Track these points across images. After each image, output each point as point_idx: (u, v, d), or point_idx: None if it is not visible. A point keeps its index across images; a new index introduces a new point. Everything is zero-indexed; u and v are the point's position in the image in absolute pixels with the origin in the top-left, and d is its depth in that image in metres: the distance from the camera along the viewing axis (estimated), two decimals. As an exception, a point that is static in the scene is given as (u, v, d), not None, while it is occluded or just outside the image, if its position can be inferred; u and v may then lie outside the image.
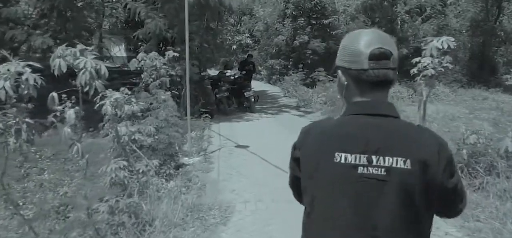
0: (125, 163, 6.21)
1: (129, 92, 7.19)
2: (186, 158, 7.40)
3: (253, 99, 13.26)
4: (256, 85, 21.57)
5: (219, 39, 30.05)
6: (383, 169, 1.32)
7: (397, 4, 20.85)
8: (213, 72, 17.31)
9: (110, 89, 6.09)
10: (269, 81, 23.29)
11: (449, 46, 5.97)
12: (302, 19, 20.71)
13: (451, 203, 1.45)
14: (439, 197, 1.37)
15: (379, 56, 1.37)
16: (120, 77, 14.97)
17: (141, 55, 9.65)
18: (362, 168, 1.34)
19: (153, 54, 9.65)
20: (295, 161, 1.58)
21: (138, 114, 7.35)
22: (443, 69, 6.26)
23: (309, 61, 20.23)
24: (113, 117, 5.67)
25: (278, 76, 21.73)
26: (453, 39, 6.02)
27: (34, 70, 3.62)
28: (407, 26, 21.40)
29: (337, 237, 1.38)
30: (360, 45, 1.41)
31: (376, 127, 1.37)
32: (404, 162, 1.31)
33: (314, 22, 20.93)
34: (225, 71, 15.07)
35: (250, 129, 11.03)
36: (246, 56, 16.81)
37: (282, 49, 21.73)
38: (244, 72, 15.18)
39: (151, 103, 7.67)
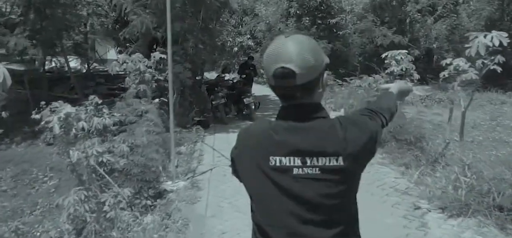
0: (87, 194, 4.96)
1: (99, 102, 5.95)
2: (169, 183, 6.09)
3: (253, 106, 11.93)
4: (258, 89, 20.22)
5: (218, 41, 28.93)
6: (317, 169, 1.41)
7: (407, 3, 19.54)
8: (212, 76, 16.00)
9: (60, 102, 4.84)
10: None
11: (501, 43, 4.66)
12: (307, 18, 19.41)
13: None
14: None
15: (281, 76, 1.41)
16: (109, 83, 13.70)
17: (122, 57, 8.37)
18: (297, 169, 1.42)
19: (136, 56, 8.37)
20: (233, 164, 1.64)
21: (111, 128, 6.09)
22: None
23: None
24: (63, 137, 4.39)
25: (281, 79, 20.39)
26: (506, 35, 4.70)
27: None
28: (419, 25, 20.07)
29: (281, 236, 1.45)
30: (268, 60, 1.47)
31: (306, 129, 1.44)
32: (336, 160, 1.41)
33: (319, 22, 19.63)
34: (224, 75, 13.79)
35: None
36: (246, 58, 15.47)
37: (285, 51, 20.36)
38: (244, 76, 13.88)
39: (126, 116, 6.36)
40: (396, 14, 19.92)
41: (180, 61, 11.74)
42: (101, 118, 5.82)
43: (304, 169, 1.41)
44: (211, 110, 11.96)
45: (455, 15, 20.68)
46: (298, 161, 1.42)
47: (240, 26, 26.84)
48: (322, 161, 1.41)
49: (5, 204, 6.65)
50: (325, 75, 1.51)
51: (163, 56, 8.77)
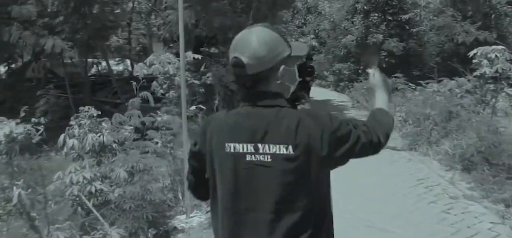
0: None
1: (96, 114, 4.78)
2: (183, 217, 4.74)
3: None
4: (320, 93, 18.60)
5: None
6: (268, 156, 1.44)
7: (494, -6, 16.90)
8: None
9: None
10: (336, 88, 20.16)
11: None
12: (376, 15, 17.41)
13: (361, 153, 1.56)
14: (343, 160, 1.54)
15: (235, 65, 1.49)
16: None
17: (150, 58, 7.21)
18: (250, 155, 1.46)
19: (165, 57, 7.18)
20: (194, 154, 1.64)
21: (114, 147, 4.89)
22: None
23: (383, 65, 16.87)
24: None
25: (346, 83, 18.55)
26: None
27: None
28: (509, 20, 17.28)
29: (232, 222, 1.50)
30: (230, 50, 1.53)
31: (260, 116, 1.48)
32: (286, 148, 1.43)
33: (390, 18, 17.58)
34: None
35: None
36: (304, 60, 13.90)
37: (351, 51, 18.53)
38: (300, 79, 12.32)
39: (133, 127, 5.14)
40: (480, 8, 17.30)
41: (224, 62, 10.53)
42: (96, 135, 4.68)
43: (257, 155, 1.46)
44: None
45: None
46: (251, 148, 1.46)
47: (304, 26, 25.25)
48: (273, 149, 1.44)
49: None
50: (282, 68, 1.52)
51: (197, 56, 7.53)
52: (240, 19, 11.11)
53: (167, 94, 7.22)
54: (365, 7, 17.63)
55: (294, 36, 25.79)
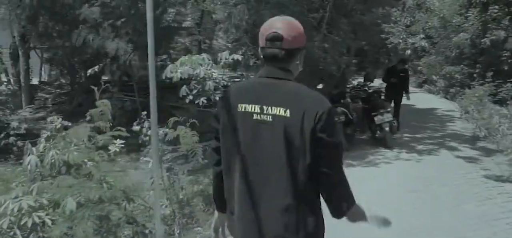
0: None
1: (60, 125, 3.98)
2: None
3: (387, 128, 8.55)
4: (426, 100, 16.13)
5: (389, 43, 25.11)
6: (270, 116, 1.82)
7: None
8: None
9: None
10: (446, 95, 17.39)
11: None
12: (496, 7, 14.41)
13: (322, 159, 1.81)
14: (313, 147, 1.78)
15: (273, 39, 1.86)
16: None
17: (182, 59, 6.32)
18: (256, 115, 1.85)
19: (196, 58, 6.23)
20: (215, 117, 2.02)
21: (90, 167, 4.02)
22: None
23: (505, 68, 13.95)
24: None
25: (457, 89, 15.80)
26: None
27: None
28: None
29: (239, 168, 1.88)
30: (264, 28, 1.91)
31: (268, 85, 1.88)
32: (285, 111, 1.79)
33: (515, 11, 14.46)
34: (366, 82, 10.69)
35: (367, 181, 6.59)
36: (396, 62, 11.86)
37: (464, 52, 15.72)
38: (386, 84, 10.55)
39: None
40: None
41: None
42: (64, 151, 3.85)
43: (261, 115, 1.83)
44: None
45: None
46: (257, 108, 1.84)
47: (412, 25, 22.58)
48: (274, 110, 1.81)
49: None
50: (302, 52, 1.97)
51: (237, 57, 6.44)
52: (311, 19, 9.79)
53: (197, 101, 6.30)
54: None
55: (401, 37, 23.33)
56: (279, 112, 1.79)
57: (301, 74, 7.32)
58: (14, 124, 9.49)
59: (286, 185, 1.80)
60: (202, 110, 7.52)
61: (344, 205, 1.93)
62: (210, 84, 5.97)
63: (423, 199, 5.62)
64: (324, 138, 1.77)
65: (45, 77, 14.96)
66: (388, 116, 8.57)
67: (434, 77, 18.98)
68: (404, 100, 10.59)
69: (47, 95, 12.46)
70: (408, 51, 23.36)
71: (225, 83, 6.33)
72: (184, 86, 6.13)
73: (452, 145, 8.78)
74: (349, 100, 9.49)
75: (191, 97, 6.09)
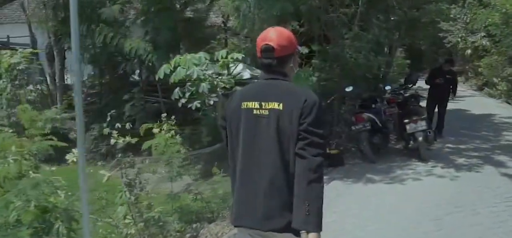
0: None
1: None
2: None
3: (420, 138, 7.48)
4: (485, 105, 14.55)
5: (448, 42, 23.28)
6: (267, 110, 2.11)
7: None
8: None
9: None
10: (508, 99, 15.63)
11: None
12: None
13: (301, 141, 2.04)
14: (298, 131, 2.04)
15: (266, 50, 2.17)
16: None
17: (177, 59, 5.78)
18: (256, 110, 2.14)
19: (191, 57, 5.66)
20: (223, 118, 2.34)
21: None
22: None
23: None
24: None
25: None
26: None
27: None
28: None
29: (241, 156, 2.17)
30: (258, 41, 2.22)
31: (266, 85, 2.20)
32: (278, 105, 2.09)
33: None
34: (407, 85, 9.63)
35: (384, 199, 5.70)
36: (442, 62, 10.60)
37: (530, 52, 13.97)
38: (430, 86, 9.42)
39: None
40: None
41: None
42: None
43: (260, 110, 2.12)
44: (354, 139, 8.17)
45: None
46: (257, 105, 2.14)
47: (473, 22, 20.67)
48: (270, 105, 2.10)
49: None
50: (293, 56, 2.25)
51: (237, 56, 5.79)
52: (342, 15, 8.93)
53: (189, 105, 5.74)
54: (553, -9, 12.98)
55: (460, 36, 21.56)
56: (274, 106, 2.09)
57: (329, 75, 6.59)
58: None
59: (278, 167, 2.07)
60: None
61: (305, 206, 1.98)
62: (204, 86, 5.36)
63: (446, 233, 4.62)
64: (305, 123, 2.02)
65: (85, 77, 15.12)
66: (422, 125, 7.51)
67: (495, 80, 17.17)
68: (455, 105, 9.42)
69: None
70: (468, 51, 21.51)
71: (226, 85, 5.67)
72: (177, 89, 5.60)
73: (501, 160, 7.53)
74: (382, 104, 8.50)
75: (184, 100, 5.54)
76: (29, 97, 10.20)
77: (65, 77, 13.22)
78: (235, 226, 2.31)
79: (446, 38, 21.90)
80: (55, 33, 12.08)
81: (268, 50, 2.14)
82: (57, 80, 12.77)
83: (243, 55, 6.01)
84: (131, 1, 10.19)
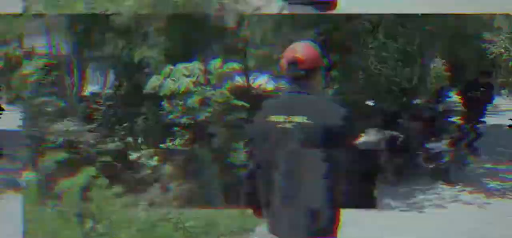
0: None
1: None
2: None
3: (448, 158, 6.68)
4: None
5: (491, 54, 22.00)
6: (292, 123, 2.13)
7: None
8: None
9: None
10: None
11: None
12: None
13: (343, 139, 2.13)
14: (336, 137, 2.08)
15: (293, 62, 2.22)
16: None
17: (166, 70, 5.34)
18: (280, 124, 2.15)
19: (183, 67, 5.21)
20: (253, 127, 2.37)
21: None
22: None
23: None
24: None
25: None
26: None
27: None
28: None
29: (270, 164, 2.18)
30: (286, 53, 2.28)
31: (292, 99, 2.24)
32: (303, 119, 2.10)
33: None
34: (437, 99, 8.86)
35: (397, 232, 4.98)
36: (479, 74, 9.69)
37: None
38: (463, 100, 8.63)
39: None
40: None
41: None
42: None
43: (285, 124, 2.14)
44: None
45: None
46: (282, 118, 2.16)
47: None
48: (296, 119, 2.12)
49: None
50: (320, 71, 2.29)
51: (234, 65, 5.28)
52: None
53: (178, 120, 5.27)
54: None
55: (504, 46, 20.18)
56: (298, 119, 2.12)
57: (349, 88, 6.07)
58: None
59: (306, 180, 2.09)
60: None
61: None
62: (191, 101, 4.87)
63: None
64: (334, 136, 2.06)
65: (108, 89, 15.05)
66: (451, 143, 6.74)
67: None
68: (494, 120, 8.63)
69: (97, 107, 12.34)
70: None
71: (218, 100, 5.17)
72: (164, 102, 5.14)
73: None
74: (408, 120, 7.78)
75: (171, 116, 5.08)
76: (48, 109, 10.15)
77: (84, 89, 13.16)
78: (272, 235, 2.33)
79: (489, 48, 20.69)
80: (74, 43, 12.05)
81: (295, 62, 2.20)
82: (75, 91, 12.72)
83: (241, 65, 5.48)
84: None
